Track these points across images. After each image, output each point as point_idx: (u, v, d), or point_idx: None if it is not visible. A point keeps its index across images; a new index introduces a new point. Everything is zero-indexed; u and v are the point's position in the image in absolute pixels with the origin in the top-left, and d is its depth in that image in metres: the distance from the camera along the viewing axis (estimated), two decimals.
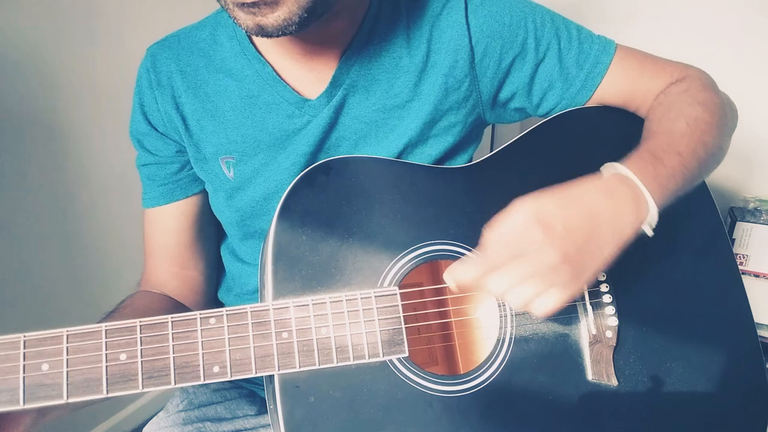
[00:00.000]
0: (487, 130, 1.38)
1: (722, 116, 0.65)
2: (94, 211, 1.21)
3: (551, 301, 0.51)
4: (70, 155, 1.14)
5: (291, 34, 0.54)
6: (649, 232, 0.56)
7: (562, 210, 0.52)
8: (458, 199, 0.64)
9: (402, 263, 0.61)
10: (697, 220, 0.69)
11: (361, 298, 0.57)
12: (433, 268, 0.74)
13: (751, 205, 1.11)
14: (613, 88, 0.69)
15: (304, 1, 0.52)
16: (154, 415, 0.78)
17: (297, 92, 0.66)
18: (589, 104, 0.70)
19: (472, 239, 0.63)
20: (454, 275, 0.52)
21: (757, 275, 1.05)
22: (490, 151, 0.69)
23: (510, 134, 1.29)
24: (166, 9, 1.23)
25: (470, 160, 0.73)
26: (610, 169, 0.58)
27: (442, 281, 0.72)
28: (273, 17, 0.52)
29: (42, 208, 1.12)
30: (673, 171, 0.58)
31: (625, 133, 0.70)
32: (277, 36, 0.54)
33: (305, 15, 0.53)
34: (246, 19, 0.53)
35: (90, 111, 1.15)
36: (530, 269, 0.50)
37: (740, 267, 1.05)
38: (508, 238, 0.51)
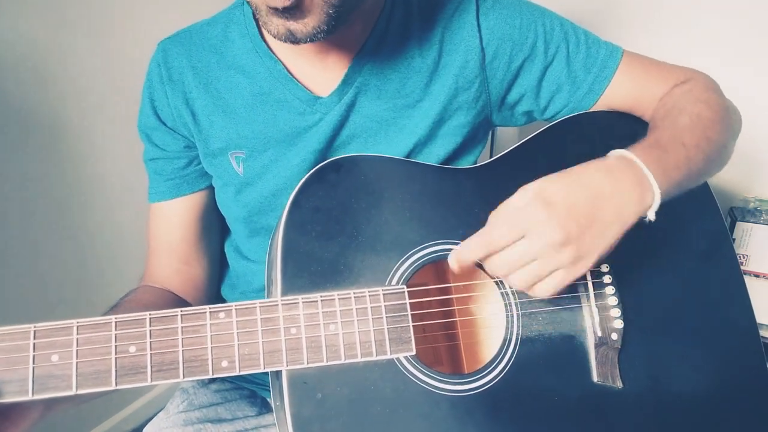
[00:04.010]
0: None
1: (725, 115, 0.66)
2: (95, 209, 1.21)
3: (554, 282, 0.52)
4: (71, 153, 1.14)
5: (319, 40, 0.55)
6: (652, 216, 0.56)
7: (564, 188, 0.53)
8: (467, 200, 0.65)
9: (410, 262, 0.61)
10: (700, 222, 0.70)
11: (370, 296, 0.57)
12: (438, 268, 0.74)
13: (751, 205, 1.11)
14: (619, 93, 0.70)
15: (332, 9, 0.53)
16: (154, 416, 0.78)
17: (308, 90, 0.66)
18: (596, 109, 0.71)
19: None
20: (456, 256, 0.54)
21: (757, 275, 1.06)
22: (490, 154, 0.70)
23: (509, 137, 1.30)
24: (169, 9, 1.24)
25: (476, 162, 0.74)
26: (615, 153, 0.58)
27: (447, 281, 0.73)
28: (303, 23, 0.53)
29: (43, 206, 1.11)
30: (677, 161, 0.58)
31: (633, 137, 0.71)
32: (305, 42, 0.55)
33: (333, 23, 0.54)
34: (278, 24, 0.53)
35: (91, 110, 1.15)
36: (532, 249, 0.51)
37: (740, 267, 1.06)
38: (510, 217, 0.52)
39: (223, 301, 0.83)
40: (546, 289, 0.53)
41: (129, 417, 1.35)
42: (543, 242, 0.51)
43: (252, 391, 0.82)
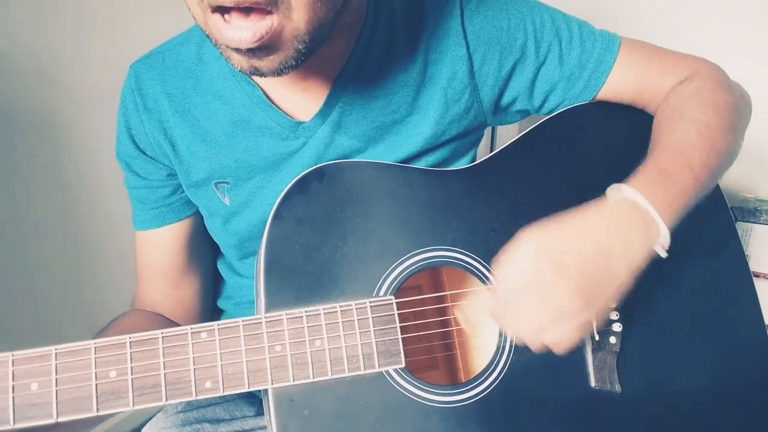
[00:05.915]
0: (487, 130, 1.37)
1: (735, 117, 0.62)
2: (93, 213, 1.20)
3: (566, 336, 0.51)
4: (70, 156, 1.13)
5: (287, 74, 0.52)
6: (663, 254, 0.54)
7: (569, 244, 0.51)
8: (457, 203, 0.63)
9: (399, 271, 0.59)
10: (707, 219, 0.67)
11: (356, 308, 0.56)
12: (433, 271, 0.72)
13: (751, 205, 1.09)
14: (618, 86, 0.66)
15: (301, 45, 0.50)
16: (153, 416, 0.78)
17: (289, 115, 0.63)
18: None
19: (471, 244, 0.61)
20: (465, 314, 0.55)
21: (757, 275, 1.04)
22: (491, 152, 0.67)
23: (511, 134, 1.27)
24: (166, 9, 1.21)
25: (472, 161, 0.71)
26: (616, 192, 0.56)
27: (442, 286, 0.71)
28: (269, 60, 0.50)
29: (40, 210, 1.11)
30: (684, 187, 0.56)
31: (628, 131, 0.68)
32: (272, 76, 0.52)
33: (302, 58, 0.51)
34: (241, 60, 0.50)
35: (90, 111, 1.14)
36: (544, 310, 0.51)
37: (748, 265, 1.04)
38: (517, 277, 0.51)
39: (220, 311, 0.82)
40: (557, 343, 0.52)
41: (129, 417, 1.36)
42: (554, 304, 0.50)
43: (250, 391, 0.82)
